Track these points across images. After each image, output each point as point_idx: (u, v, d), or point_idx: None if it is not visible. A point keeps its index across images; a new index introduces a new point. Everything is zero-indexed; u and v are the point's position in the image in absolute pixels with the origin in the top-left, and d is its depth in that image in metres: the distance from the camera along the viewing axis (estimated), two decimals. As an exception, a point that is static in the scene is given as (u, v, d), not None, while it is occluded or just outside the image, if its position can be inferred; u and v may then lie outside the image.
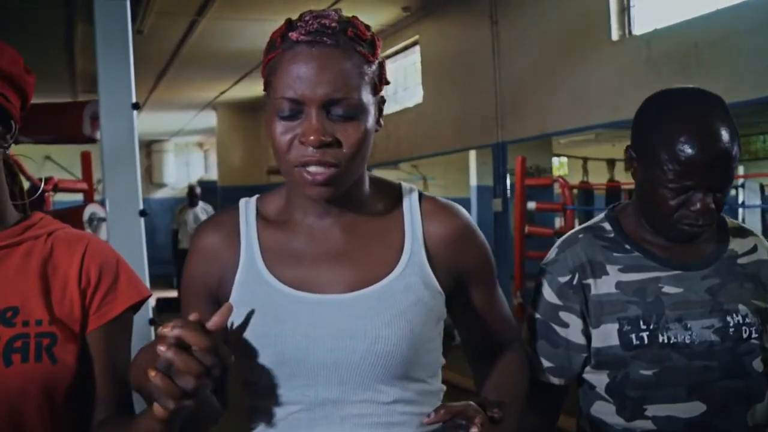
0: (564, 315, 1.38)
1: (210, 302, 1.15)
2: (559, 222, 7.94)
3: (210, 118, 14.39)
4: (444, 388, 1.18)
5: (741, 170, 7.89)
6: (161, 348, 0.89)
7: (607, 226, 1.44)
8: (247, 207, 1.18)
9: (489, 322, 1.24)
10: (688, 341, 1.31)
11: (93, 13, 2.95)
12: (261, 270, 1.11)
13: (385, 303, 1.07)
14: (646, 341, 1.32)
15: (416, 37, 8.63)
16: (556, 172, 10.54)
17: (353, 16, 1.08)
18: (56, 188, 4.60)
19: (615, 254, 1.38)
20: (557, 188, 7.97)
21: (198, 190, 10.16)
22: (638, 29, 5.68)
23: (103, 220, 3.03)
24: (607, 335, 1.34)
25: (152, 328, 2.83)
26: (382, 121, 1.11)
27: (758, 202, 10.08)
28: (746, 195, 10.00)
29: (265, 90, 1.08)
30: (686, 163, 1.25)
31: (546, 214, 8.11)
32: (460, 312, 1.21)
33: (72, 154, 7.69)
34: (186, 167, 17.25)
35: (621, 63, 5.64)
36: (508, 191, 7.23)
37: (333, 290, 1.08)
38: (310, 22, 1.01)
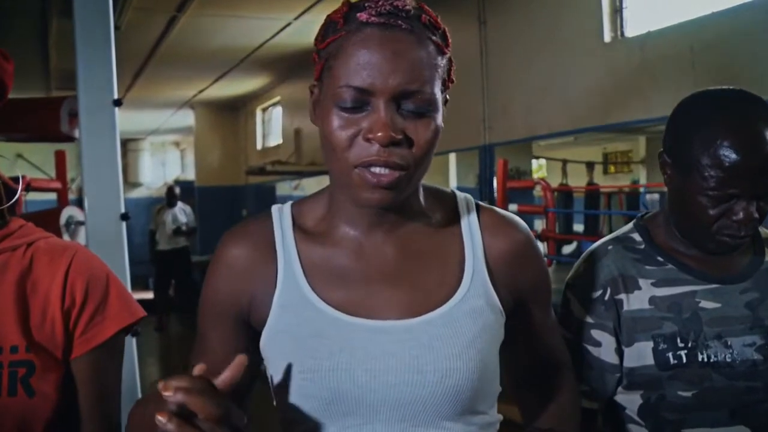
0: (596, 333, 1.31)
1: (238, 324, 1.03)
2: (540, 224, 7.88)
3: (187, 117, 14.27)
4: (501, 417, 1.07)
5: None
6: (161, 419, 0.75)
7: (636, 236, 1.36)
8: (282, 215, 1.05)
9: (543, 345, 1.15)
10: (729, 360, 1.24)
11: (72, 6, 2.76)
12: (305, 291, 0.98)
13: (453, 330, 0.96)
14: (684, 360, 1.24)
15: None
16: (534, 175, 10.52)
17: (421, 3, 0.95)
18: (29, 188, 4.42)
19: (647, 267, 1.31)
20: (537, 191, 7.95)
21: (177, 191, 10.00)
22: (631, 31, 5.61)
23: (82, 223, 2.85)
24: (640, 354, 1.27)
25: (134, 340, 2.65)
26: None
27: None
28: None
29: (317, 78, 0.96)
30: (730, 169, 1.18)
31: (526, 216, 8.06)
32: (514, 334, 1.09)
33: (45, 152, 7.47)
34: (162, 167, 17.10)
35: (613, 65, 5.58)
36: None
37: (390, 315, 0.96)
38: (381, 3, 0.89)
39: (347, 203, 0.98)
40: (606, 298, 1.30)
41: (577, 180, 10.49)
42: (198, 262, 10.76)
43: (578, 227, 10.01)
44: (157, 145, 17.18)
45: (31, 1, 6.62)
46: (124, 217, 2.74)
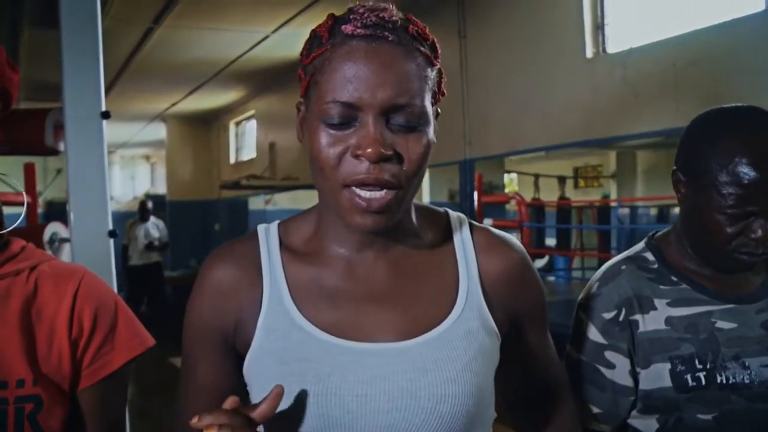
0: (610, 355, 1.27)
1: (225, 350, 0.98)
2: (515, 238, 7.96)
3: (159, 131, 14.15)
4: None
5: None
6: None
7: (649, 256, 1.33)
8: (268, 235, 1.00)
9: (540, 367, 1.11)
10: (747, 381, 1.22)
11: (58, 14, 2.66)
12: (291, 311, 0.93)
13: (447, 353, 0.91)
14: (703, 382, 1.21)
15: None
16: (505, 189, 10.58)
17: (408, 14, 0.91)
18: (-1, 203, 4.23)
19: (662, 287, 1.28)
20: (512, 205, 8.01)
21: (150, 205, 9.87)
22: (613, 48, 5.65)
23: (66, 240, 2.73)
24: (657, 376, 1.24)
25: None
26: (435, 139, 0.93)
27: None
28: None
29: (303, 95, 0.92)
30: (749, 186, 1.16)
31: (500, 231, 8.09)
32: (509, 355, 1.05)
33: (8, 164, 7.27)
34: (132, 180, 16.90)
35: (595, 81, 5.61)
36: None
37: (383, 338, 0.92)
38: (366, 15, 0.86)
39: (337, 222, 0.95)
40: (620, 318, 1.26)
41: (549, 194, 10.58)
42: (170, 277, 10.60)
43: (550, 241, 10.07)
44: (126, 159, 17.00)
45: (3, 9, 6.46)
46: (112, 234, 2.63)
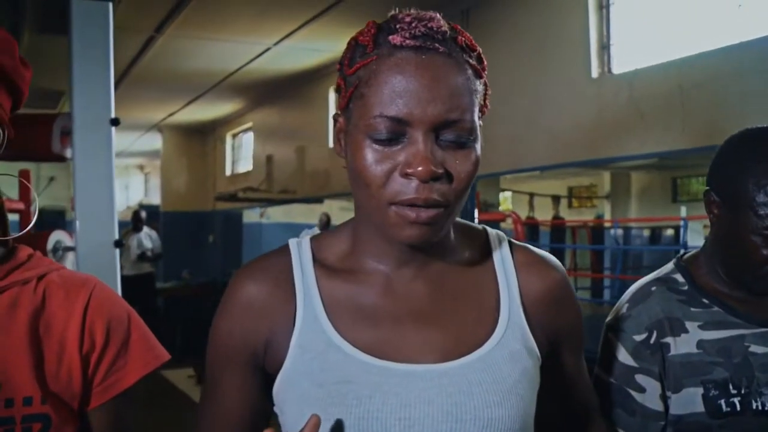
0: (641, 378, 1.24)
1: (252, 370, 0.94)
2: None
3: (155, 141, 14.12)
4: None
5: (683, 212, 8.17)
6: None
7: (679, 277, 1.31)
8: (300, 250, 0.96)
9: (576, 390, 1.08)
10: None
11: (69, 19, 2.61)
12: (327, 330, 0.89)
13: (493, 376, 0.88)
14: (738, 408, 1.19)
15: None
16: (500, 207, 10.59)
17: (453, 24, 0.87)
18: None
19: (693, 309, 1.26)
20: (507, 223, 8.03)
21: (143, 215, 9.78)
22: (618, 68, 5.65)
23: (71, 249, 2.65)
24: (689, 401, 1.21)
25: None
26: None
27: (701, 242, 10.33)
28: (689, 236, 10.29)
29: (345, 105, 0.87)
30: None
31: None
32: (546, 378, 1.01)
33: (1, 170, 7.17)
34: (125, 190, 16.82)
35: (601, 101, 5.61)
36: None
37: (424, 359, 0.88)
38: (415, 24, 0.81)
39: (375, 238, 0.91)
40: (652, 341, 1.24)
41: (543, 213, 10.59)
42: (162, 288, 10.52)
43: (544, 260, 10.03)
44: (120, 168, 16.92)
45: (3, 14, 6.41)
46: (118, 243, 2.57)
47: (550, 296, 0.98)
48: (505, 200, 12.56)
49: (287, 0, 6.63)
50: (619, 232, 10.37)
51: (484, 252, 0.98)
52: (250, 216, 12.78)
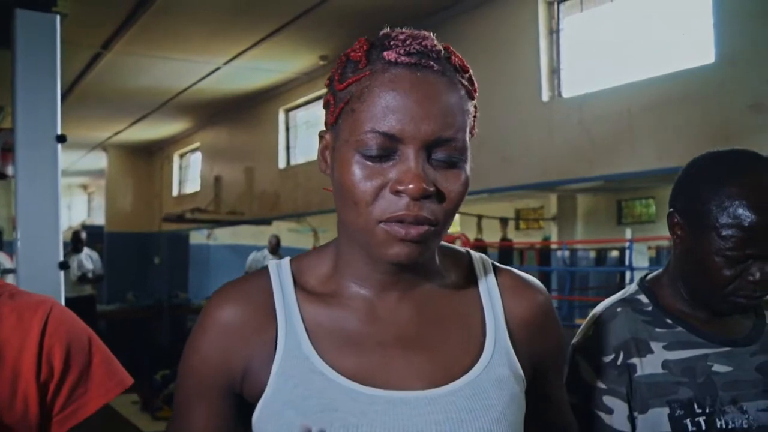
0: (608, 399, 1.24)
1: (227, 398, 0.90)
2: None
3: (99, 160, 13.84)
4: None
5: (629, 233, 8.37)
6: None
7: (643, 298, 1.32)
8: (280, 273, 0.93)
9: (557, 414, 1.08)
10: (746, 426, 1.21)
11: (11, 31, 2.52)
12: (310, 357, 0.86)
13: (481, 403, 0.86)
14: (703, 427, 1.20)
15: (334, 87, 8.54)
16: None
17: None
18: None
19: (657, 330, 1.27)
20: (456, 245, 8.08)
21: (83, 236, 9.52)
22: (568, 92, 5.75)
23: (11, 272, 2.54)
24: (656, 421, 1.21)
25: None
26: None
27: (646, 263, 10.58)
28: (634, 257, 10.54)
29: (333, 121, 0.86)
30: (750, 230, 1.16)
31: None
32: (529, 403, 0.99)
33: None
34: (68, 210, 16.40)
35: (551, 124, 5.69)
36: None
37: (411, 386, 0.86)
38: (409, 42, 0.81)
39: (359, 260, 0.89)
40: (618, 362, 1.24)
41: (491, 235, 10.69)
42: (105, 311, 10.24)
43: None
44: (63, 188, 16.42)
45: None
46: (63, 265, 2.47)
47: (534, 319, 0.97)
48: (453, 222, 12.66)
49: (238, 20, 6.59)
50: (566, 253, 10.55)
51: (468, 275, 0.97)
52: (197, 237, 12.59)
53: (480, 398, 0.87)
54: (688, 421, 1.20)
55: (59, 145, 2.52)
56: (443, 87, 0.81)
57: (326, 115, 0.88)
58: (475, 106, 0.88)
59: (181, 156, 13.72)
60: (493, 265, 0.99)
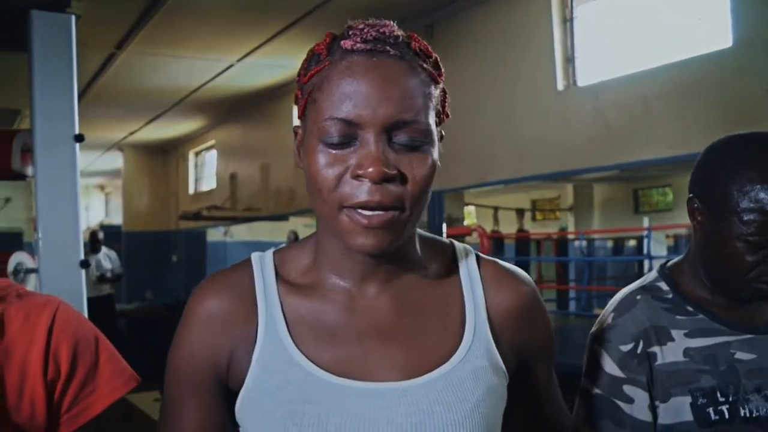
0: (628, 389, 1.23)
1: (215, 389, 0.91)
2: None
3: (115, 160, 13.93)
4: None
5: (646, 222, 8.30)
6: None
7: (663, 285, 1.30)
8: (263, 264, 0.94)
9: (547, 409, 1.07)
10: None
11: (28, 32, 2.53)
12: (290, 349, 0.88)
13: (455, 394, 0.87)
14: (726, 416, 1.18)
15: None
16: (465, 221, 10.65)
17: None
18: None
19: (678, 317, 1.26)
20: (473, 237, 8.09)
21: (101, 236, 9.59)
22: (583, 80, 5.71)
23: (33, 271, 2.55)
24: (677, 410, 1.20)
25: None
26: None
27: (664, 252, 10.52)
28: (652, 246, 10.48)
29: (301, 115, 0.89)
30: None
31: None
32: (515, 397, 1.00)
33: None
34: (86, 211, 16.51)
35: (567, 113, 5.65)
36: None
37: (387, 377, 0.87)
38: (367, 30, 0.83)
39: (336, 252, 0.90)
40: (638, 351, 1.23)
41: (507, 226, 10.65)
42: (124, 310, 10.31)
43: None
44: (80, 188, 16.67)
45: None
46: (84, 264, 2.48)
47: (518, 311, 0.96)
48: (469, 214, 12.62)
49: (250, 17, 6.60)
50: (584, 243, 10.51)
51: (450, 266, 0.97)
52: (214, 235, 12.65)
53: (454, 390, 0.87)
54: (710, 409, 1.19)
55: (77, 145, 2.53)
56: (401, 71, 0.81)
57: (297, 109, 0.89)
58: (443, 90, 0.88)
59: (197, 154, 13.78)
60: (477, 255, 0.98)
